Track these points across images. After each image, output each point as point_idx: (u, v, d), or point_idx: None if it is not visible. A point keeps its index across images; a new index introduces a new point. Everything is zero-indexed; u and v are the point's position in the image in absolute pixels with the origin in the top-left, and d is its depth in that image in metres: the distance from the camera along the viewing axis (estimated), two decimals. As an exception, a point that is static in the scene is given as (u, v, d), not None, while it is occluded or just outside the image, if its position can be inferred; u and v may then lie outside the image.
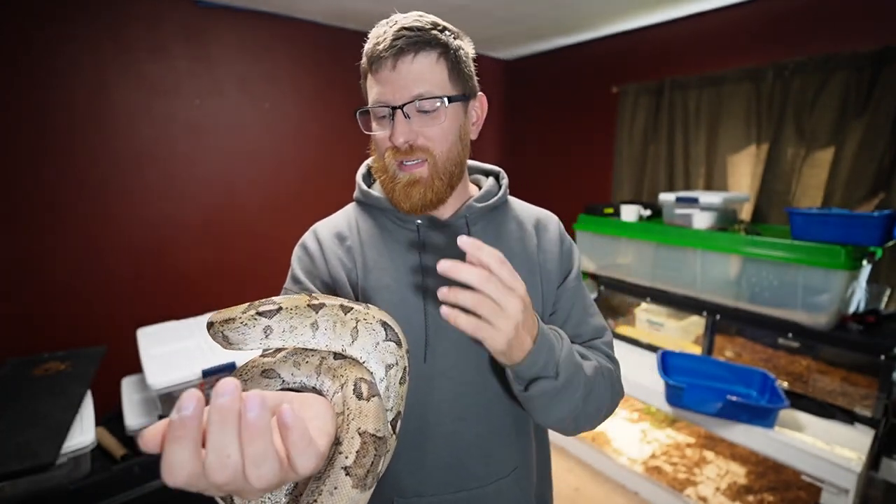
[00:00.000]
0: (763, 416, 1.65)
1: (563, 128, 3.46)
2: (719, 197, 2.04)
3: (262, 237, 2.68)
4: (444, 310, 0.48)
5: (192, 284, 2.49)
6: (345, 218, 0.76)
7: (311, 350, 0.46)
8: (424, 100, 0.62)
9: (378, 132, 0.66)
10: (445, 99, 0.63)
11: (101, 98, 2.14)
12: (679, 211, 2.17)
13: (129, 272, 2.30)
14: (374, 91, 0.64)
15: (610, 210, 2.50)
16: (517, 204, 0.81)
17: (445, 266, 0.47)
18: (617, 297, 2.59)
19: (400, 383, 0.48)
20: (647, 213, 2.40)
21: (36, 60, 1.96)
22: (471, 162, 0.79)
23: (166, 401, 1.45)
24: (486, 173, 0.83)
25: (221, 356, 1.56)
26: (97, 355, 1.58)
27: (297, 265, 0.73)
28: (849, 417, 1.68)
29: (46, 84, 2.00)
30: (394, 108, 0.62)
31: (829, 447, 1.54)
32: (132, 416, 1.44)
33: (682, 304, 2.18)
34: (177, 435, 0.27)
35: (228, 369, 1.51)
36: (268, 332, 0.43)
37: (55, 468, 1.15)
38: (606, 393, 0.66)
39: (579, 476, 2.17)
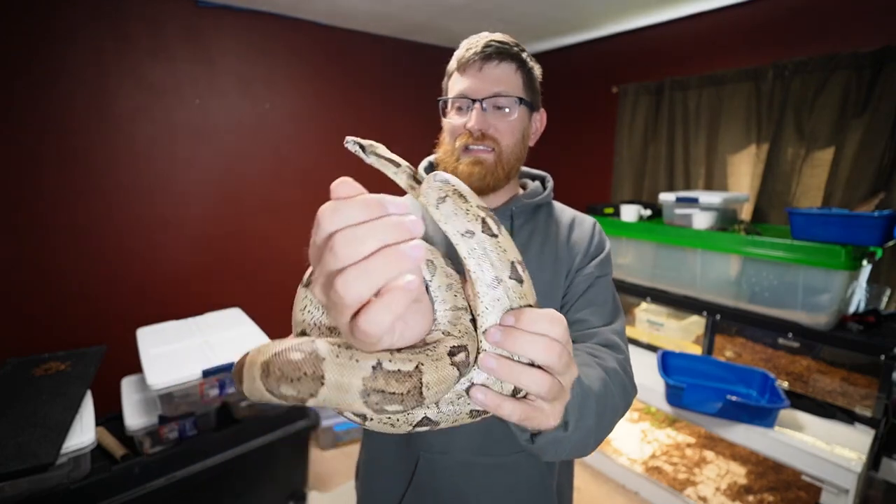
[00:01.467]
0: (763, 416, 1.65)
1: (563, 128, 3.46)
2: (719, 197, 2.04)
3: (261, 237, 2.68)
4: (481, 395, 0.37)
5: (192, 284, 2.49)
6: (409, 200, 0.85)
7: (464, 294, 0.43)
8: (502, 97, 0.73)
9: (454, 119, 0.77)
10: (518, 99, 0.74)
11: (101, 98, 2.14)
12: (679, 211, 2.17)
13: (129, 272, 2.30)
14: (458, 86, 0.76)
15: (610, 210, 2.50)
16: (559, 206, 0.88)
17: (496, 337, 0.36)
18: (617, 297, 2.59)
19: (471, 416, 0.40)
20: (647, 213, 2.40)
21: (36, 61, 1.96)
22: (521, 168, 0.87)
23: (166, 401, 1.45)
24: (533, 178, 0.90)
25: (221, 356, 1.56)
26: (97, 355, 1.58)
27: None
28: (849, 417, 1.68)
29: (46, 84, 2.00)
30: (474, 101, 0.73)
31: (829, 447, 1.54)
32: (132, 416, 1.44)
33: (682, 304, 2.18)
34: (377, 197, 0.28)
35: (228, 370, 1.51)
36: (470, 235, 0.38)
37: (55, 468, 1.15)
38: (619, 401, 0.60)
39: (579, 476, 2.17)
